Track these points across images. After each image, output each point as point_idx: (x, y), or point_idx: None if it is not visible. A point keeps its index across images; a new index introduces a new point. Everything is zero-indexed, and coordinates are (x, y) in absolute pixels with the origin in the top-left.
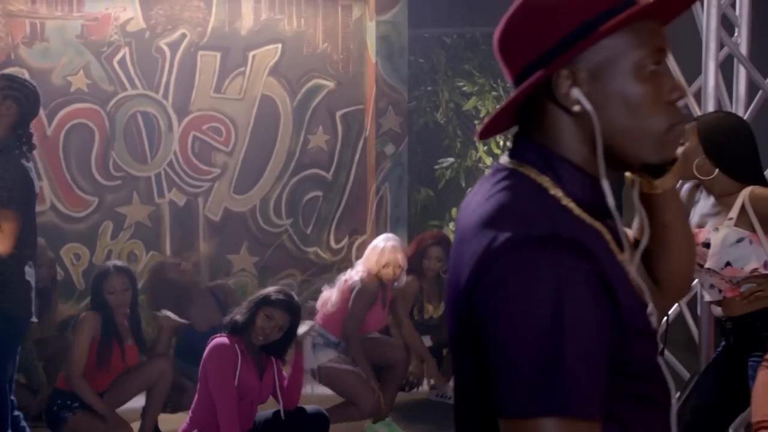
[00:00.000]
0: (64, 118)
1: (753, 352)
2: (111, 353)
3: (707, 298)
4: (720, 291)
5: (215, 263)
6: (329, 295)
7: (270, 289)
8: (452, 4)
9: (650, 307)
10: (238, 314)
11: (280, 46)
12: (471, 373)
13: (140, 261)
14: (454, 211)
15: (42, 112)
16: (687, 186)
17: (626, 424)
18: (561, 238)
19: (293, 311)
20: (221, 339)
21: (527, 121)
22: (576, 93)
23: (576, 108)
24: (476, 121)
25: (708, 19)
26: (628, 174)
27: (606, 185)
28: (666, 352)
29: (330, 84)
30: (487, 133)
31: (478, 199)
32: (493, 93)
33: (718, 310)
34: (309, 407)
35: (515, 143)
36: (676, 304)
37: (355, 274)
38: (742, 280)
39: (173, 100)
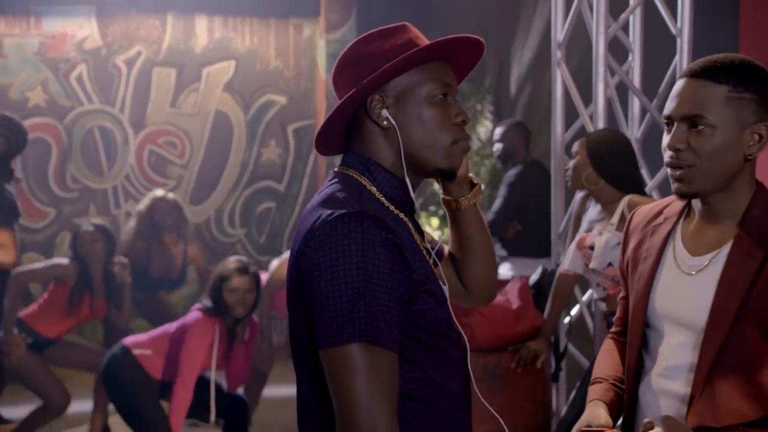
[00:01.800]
0: None
1: None
2: (82, 302)
3: (595, 295)
4: (604, 288)
5: None
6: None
7: (219, 266)
8: (399, 21)
9: (443, 286)
10: (208, 300)
11: (233, 63)
12: (300, 322)
13: None
14: None
15: None
16: (579, 195)
17: (422, 368)
18: (367, 214)
19: (248, 270)
20: (204, 318)
21: (353, 138)
22: (385, 113)
23: (385, 124)
24: None
25: (597, 45)
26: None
27: (408, 182)
28: (569, 344)
29: (282, 99)
30: (322, 148)
31: (316, 195)
32: None
33: (603, 306)
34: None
35: (345, 154)
36: (578, 305)
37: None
38: None
39: (129, 114)
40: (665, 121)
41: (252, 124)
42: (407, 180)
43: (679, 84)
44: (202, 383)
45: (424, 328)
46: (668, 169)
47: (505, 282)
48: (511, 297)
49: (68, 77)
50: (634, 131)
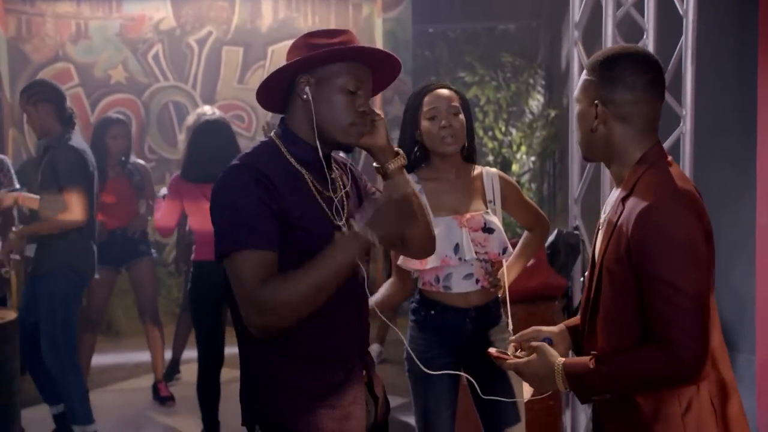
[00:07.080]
0: (105, 107)
1: None
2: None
3: None
4: None
5: None
6: None
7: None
8: (454, 1)
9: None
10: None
11: None
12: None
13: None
14: None
15: (86, 102)
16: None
17: None
18: (252, 166)
19: None
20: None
21: (287, 109)
22: (306, 89)
23: (304, 97)
24: (476, 108)
25: (605, 25)
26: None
27: (318, 147)
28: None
29: None
30: (263, 103)
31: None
32: (493, 83)
33: None
34: None
35: (278, 124)
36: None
37: None
38: None
39: (201, 90)
40: None
41: None
42: (318, 145)
43: None
44: None
45: (300, 254)
46: None
47: None
48: None
49: (146, 56)
50: None
